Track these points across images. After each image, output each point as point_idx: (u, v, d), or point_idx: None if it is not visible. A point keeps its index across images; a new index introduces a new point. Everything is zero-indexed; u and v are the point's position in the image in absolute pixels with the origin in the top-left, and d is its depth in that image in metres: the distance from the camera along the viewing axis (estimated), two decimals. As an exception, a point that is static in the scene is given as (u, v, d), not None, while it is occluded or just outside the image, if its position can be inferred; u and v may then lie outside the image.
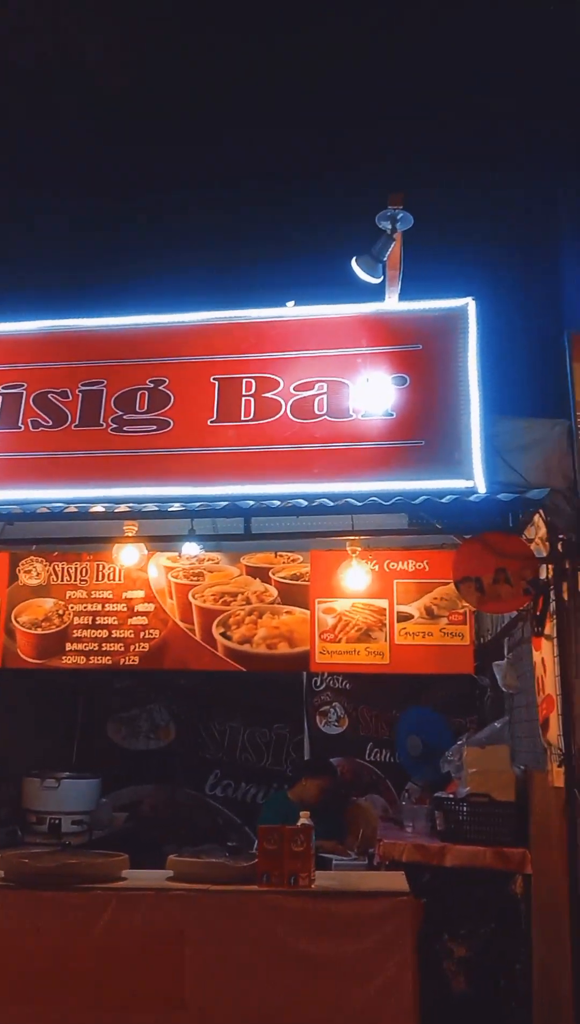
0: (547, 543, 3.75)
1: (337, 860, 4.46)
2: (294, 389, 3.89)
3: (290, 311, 3.96)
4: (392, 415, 3.84)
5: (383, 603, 4.79)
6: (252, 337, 4.04)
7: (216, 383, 3.96)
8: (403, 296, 4.07)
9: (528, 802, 4.09)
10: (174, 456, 3.92)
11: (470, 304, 3.80)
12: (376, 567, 4.77)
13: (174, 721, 6.30)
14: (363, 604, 4.80)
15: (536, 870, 3.79)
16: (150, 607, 4.99)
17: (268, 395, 3.89)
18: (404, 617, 4.74)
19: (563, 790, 3.48)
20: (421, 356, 3.86)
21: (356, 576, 4.69)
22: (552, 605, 3.68)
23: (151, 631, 4.95)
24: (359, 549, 4.62)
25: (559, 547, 3.68)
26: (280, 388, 3.89)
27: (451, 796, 4.19)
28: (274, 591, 4.94)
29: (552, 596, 3.69)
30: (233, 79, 8.11)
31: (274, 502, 3.70)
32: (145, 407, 3.97)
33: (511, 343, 4.61)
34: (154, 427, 3.96)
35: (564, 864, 3.44)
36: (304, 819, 3.54)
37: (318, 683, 6.08)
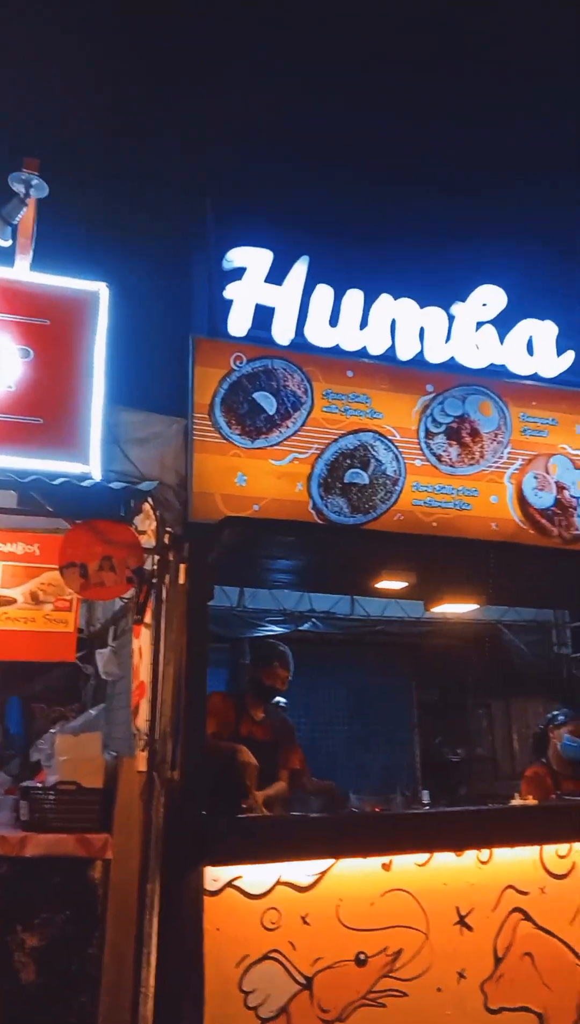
0: (157, 535, 3.88)
1: None
2: None
3: None
4: (12, 388, 3.66)
5: (-14, 586, 4.56)
6: None
7: None
8: (36, 268, 3.91)
9: (116, 788, 4.16)
10: None
11: (102, 289, 3.77)
12: (-18, 547, 4.53)
13: None
14: (-37, 586, 4.53)
15: (116, 854, 3.86)
16: None
17: None
18: (7, 602, 4.56)
19: (145, 774, 3.61)
20: (48, 332, 3.73)
21: (-42, 555, 4.41)
22: (154, 595, 3.81)
23: None
24: (-36, 527, 4.35)
25: (166, 539, 3.82)
26: None
27: (39, 785, 4.10)
28: None
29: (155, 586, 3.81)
30: None
31: None
32: None
33: (141, 338, 4.67)
34: None
35: (141, 846, 3.56)
36: None
37: None
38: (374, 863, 3.55)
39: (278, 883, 3.42)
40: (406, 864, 3.58)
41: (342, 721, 8.62)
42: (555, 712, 5.11)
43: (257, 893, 3.38)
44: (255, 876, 3.38)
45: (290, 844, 3.47)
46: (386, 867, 3.55)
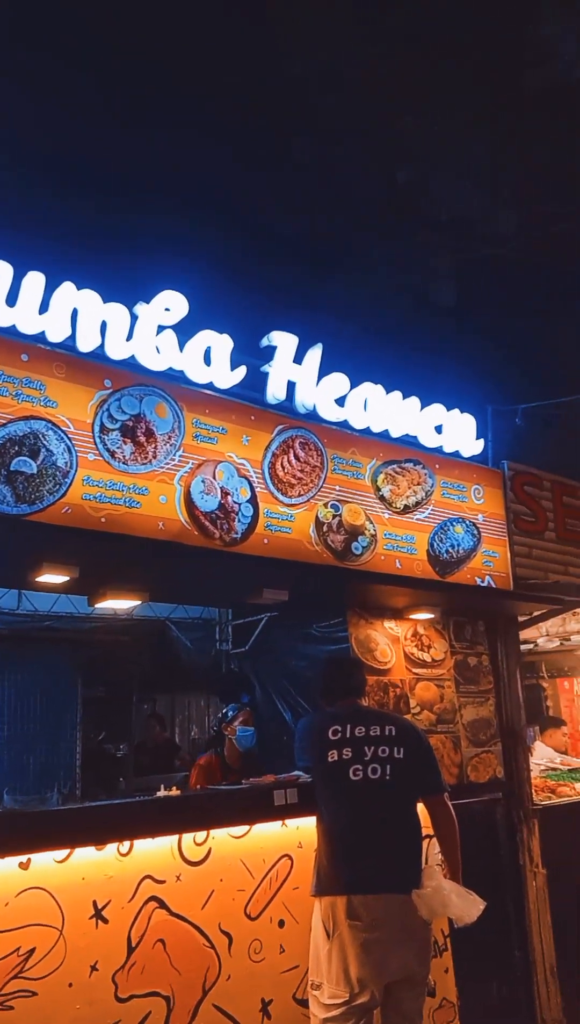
0: None
1: None
2: None
3: None
4: None
5: None
6: None
7: None
8: None
9: None
10: None
11: None
12: None
13: None
14: None
15: None
16: None
17: None
18: None
19: None
20: None
21: None
22: None
23: None
24: None
25: None
26: None
27: None
28: None
29: None
30: None
31: None
32: None
33: None
34: None
35: None
36: None
37: None
38: (11, 863, 3.45)
39: None
40: (45, 862, 3.53)
41: (1, 720, 8.27)
42: (225, 710, 5.41)
43: None
44: None
45: None
46: (23, 866, 3.47)
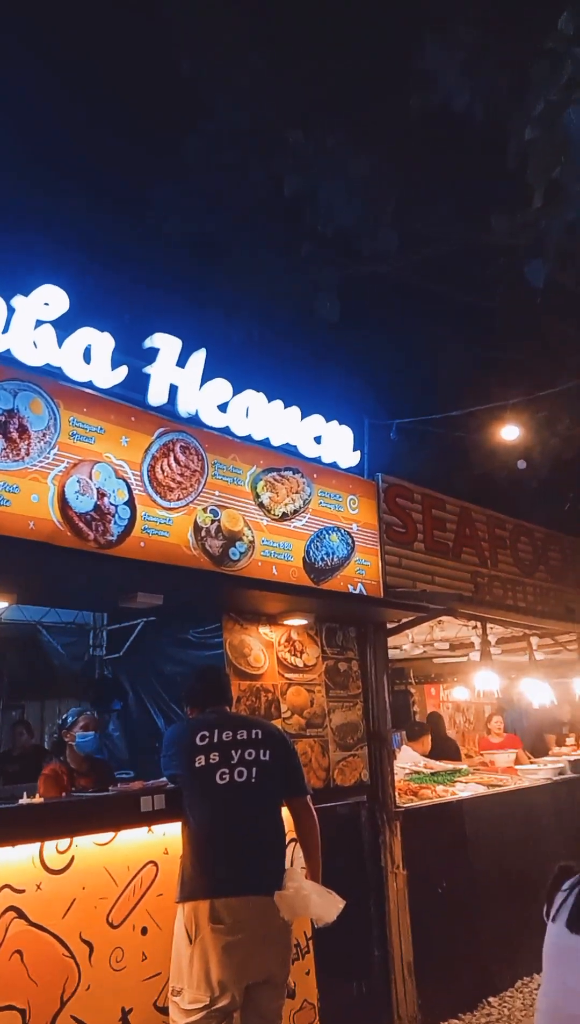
0: None
1: None
2: None
3: None
4: None
5: None
6: None
7: None
8: None
9: None
10: None
11: None
12: None
13: None
14: None
15: None
16: None
17: None
18: None
19: None
20: None
21: None
22: None
23: None
24: None
25: None
26: None
27: None
28: None
29: None
30: None
31: None
32: None
33: None
34: None
35: None
36: None
37: None
38: None
39: None
40: None
41: None
42: (64, 716, 5.29)
43: None
44: None
45: None
46: None
